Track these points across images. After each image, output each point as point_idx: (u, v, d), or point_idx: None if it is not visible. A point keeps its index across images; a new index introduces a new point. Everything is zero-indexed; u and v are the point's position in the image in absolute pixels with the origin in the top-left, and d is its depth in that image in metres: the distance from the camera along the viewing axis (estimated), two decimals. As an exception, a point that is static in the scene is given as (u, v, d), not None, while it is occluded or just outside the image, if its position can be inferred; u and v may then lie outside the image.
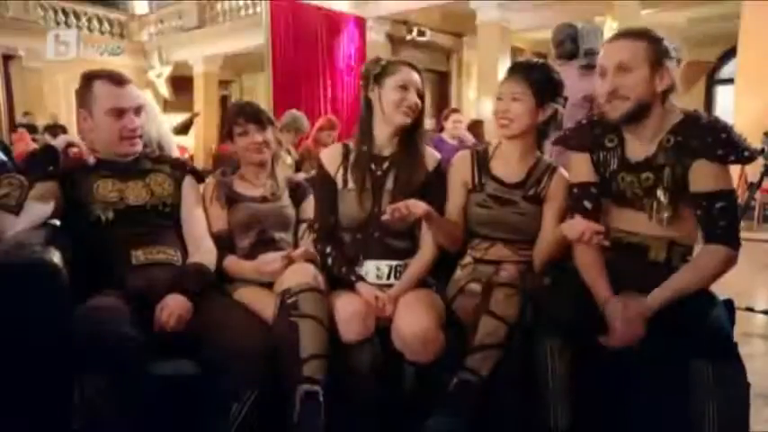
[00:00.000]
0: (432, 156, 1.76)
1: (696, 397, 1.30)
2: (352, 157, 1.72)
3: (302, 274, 1.52)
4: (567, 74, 3.08)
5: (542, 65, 1.71)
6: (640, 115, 1.47)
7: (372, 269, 1.67)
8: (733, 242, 1.43)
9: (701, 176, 1.44)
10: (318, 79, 7.23)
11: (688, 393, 1.31)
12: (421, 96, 1.70)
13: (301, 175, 2.88)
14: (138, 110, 1.68)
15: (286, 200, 1.88)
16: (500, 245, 1.70)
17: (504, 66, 7.35)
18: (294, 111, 4.44)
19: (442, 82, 10.55)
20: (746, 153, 1.42)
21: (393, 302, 1.59)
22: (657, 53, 1.43)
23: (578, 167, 1.60)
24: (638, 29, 1.49)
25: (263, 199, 1.84)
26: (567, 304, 1.45)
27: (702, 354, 1.31)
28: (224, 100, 13.49)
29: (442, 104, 9.60)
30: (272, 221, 1.82)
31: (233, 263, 1.73)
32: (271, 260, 1.64)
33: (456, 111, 4.89)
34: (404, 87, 1.67)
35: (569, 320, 1.42)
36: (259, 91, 11.15)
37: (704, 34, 9.34)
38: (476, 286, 1.64)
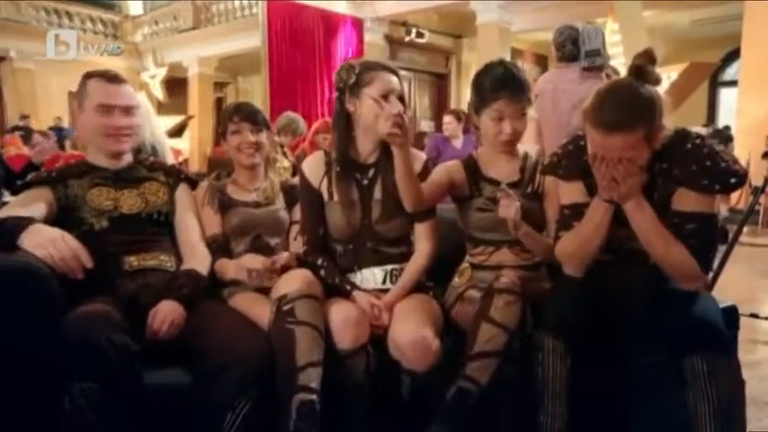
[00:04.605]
0: (417, 157, 1.76)
1: (691, 395, 1.30)
2: (334, 170, 1.71)
3: (299, 281, 1.51)
4: (568, 77, 3.12)
5: (517, 67, 1.69)
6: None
7: (368, 276, 1.68)
8: (702, 263, 1.41)
9: (681, 199, 1.43)
10: (315, 81, 7.25)
11: (684, 393, 1.31)
12: (402, 98, 1.66)
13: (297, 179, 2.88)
14: (128, 109, 1.68)
15: (280, 204, 1.88)
16: (505, 248, 1.70)
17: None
18: (290, 113, 4.46)
19: (440, 84, 10.56)
20: (733, 180, 1.39)
21: (389, 310, 1.59)
22: (654, 127, 1.37)
23: (570, 192, 1.58)
24: (630, 111, 1.35)
25: (257, 204, 1.84)
26: (568, 307, 1.45)
27: (694, 349, 1.31)
28: (219, 102, 13.51)
29: (441, 107, 9.61)
30: (266, 227, 1.82)
31: (220, 264, 1.72)
32: (250, 258, 1.63)
33: (451, 112, 4.81)
34: (384, 97, 1.62)
35: (570, 323, 1.42)
36: (255, 93, 11.18)
37: (707, 35, 9.40)
38: (475, 293, 1.64)
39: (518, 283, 1.47)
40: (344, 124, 1.70)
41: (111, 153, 1.71)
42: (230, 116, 1.84)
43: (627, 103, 1.35)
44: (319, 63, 7.34)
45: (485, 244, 1.72)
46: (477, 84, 1.69)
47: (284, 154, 3.98)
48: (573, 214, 1.54)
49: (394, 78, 1.66)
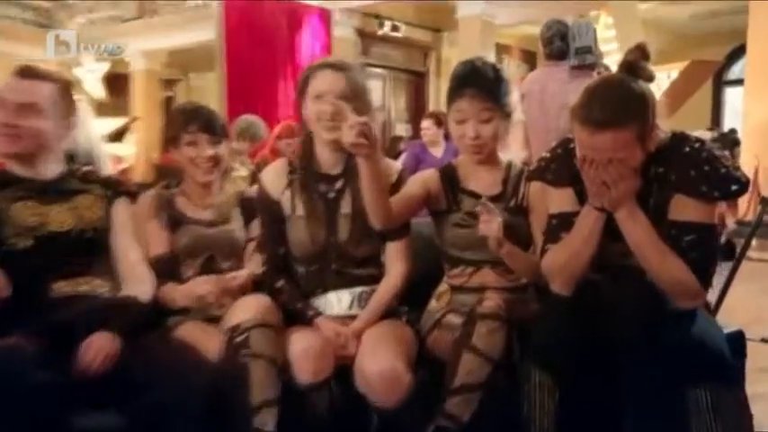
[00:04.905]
0: (391, 168, 1.77)
1: (695, 429, 1.31)
2: (297, 178, 1.71)
3: (254, 308, 1.51)
4: (557, 76, 3.18)
5: (488, 64, 1.70)
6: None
7: (333, 300, 1.69)
8: (702, 279, 1.43)
9: (678, 207, 1.45)
10: (278, 80, 7.21)
11: (687, 426, 1.33)
12: (347, 99, 1.62)
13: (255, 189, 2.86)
14: (23, 107, 1.60)
15: (236, 221, 1.86)
16: (487, 269, 1.71)
17: (488, 65, 7.44)
18: (250, 116, 4.43)
19: (418, 83, 10.62)
20: (735, 188, 1.41)
21: (356, 338, 1.59)
22: (647, 126, 1.40)
23: (559, 200, 1.59)
24: (620, 107, 1.38)
25: (211, 223, 1.82)
26: (556, 334, 1.46)
27: (698, 380, 1.32)
28: (168, 102, 13.39)
29: (419, 108, 9.64)
30: (220, 249, 1.80)
31: (166, 289, 1.70)
32: (202, 282, 1.61)
33: (430, 116, 4.76)
34: (318, 98, 1.64)
35: (559, 352, 1.43)
36: (209, 92, 11.10)
37: (710, 31, 9.62)
38: (455, 319, 1.66)
39: (503, 308, 1.48)
40: (306, 128, 1.73)
41: None
42: (185, 124, 1.81)
43: (617, 99, 1.38)
44: (283, 59, 7.31)
45: (464, 264, 1.73)
46: (449, 83, 1.73)
47: (242, 162, 3.96)
48: (561, 224, 1.55)
49: (334, 77, 1.65)
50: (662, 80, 7.08)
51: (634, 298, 1.50)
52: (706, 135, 6.09)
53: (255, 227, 1.84)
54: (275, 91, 7.16)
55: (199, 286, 1.62)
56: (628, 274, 1.52)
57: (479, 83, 1.65)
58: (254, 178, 3.90)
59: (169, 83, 14.06)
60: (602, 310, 1.50)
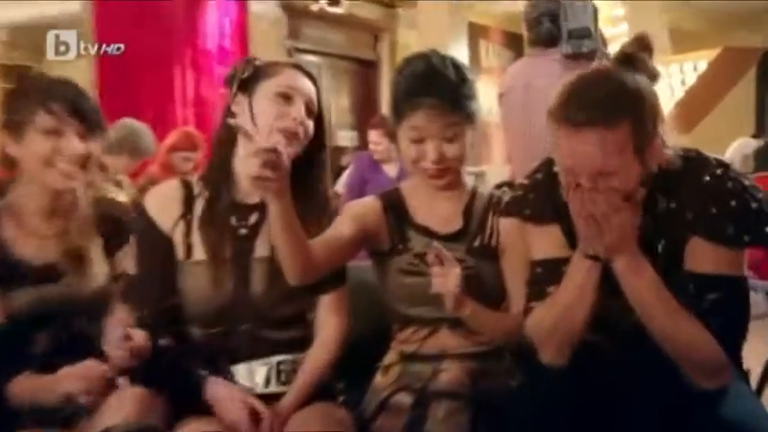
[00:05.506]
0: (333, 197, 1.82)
1: None
2: (199, 208, 1.71)
3: (127, 405, 1.48)
4: (545, 67, 3.20)
5: (447, 60, 1.74)
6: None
7: (243, 374, 1.68)
8: (729, 351, 1.45)
9: (697, 255, 1.47)
10: (172, 70, 7.10)
11: None
12: (311, 113, 1.72)
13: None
14: None
15: (99, 260, 1.80)
16: (445, 330, 1.74)
17: (457, 52, 7.55)
18: (130, 120, 4.37)
19: (366, 75, 10.58)
20: None
21: (280, 423, 1.59)
22: (644, 130, 1.42)
23: (543, 242, 1.62)
24: (609, 98, 1.42)
25: (56, 269, 1.73)
26: (543, 419, 1.48)
27: None
28: (11, 98, 13.15)
29: (368, 109, 9.62)
30: (77, 305, 1.75)
31: (19, 384, 1.64)
32: (75, 373, 1.58)
33: (380, 123, 4.77)
34: (285, 97, 1.67)
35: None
36: (72, 85, 10.92)
37: (748, 9, 9.92)
38: (406, 398, 1.66)
39: (465, 383, 1.51)
40: (226, 139, 1.72)
41: None
42: (40, 101, 1.68)
43: (605, 93, 1.41)
44: (178, 42, 7.22)
45: (416, 324, 1.76)
46: (393, 86, 1.76)
47: (120, 183, 3.90)
48: (547, 275, 1.59)
49: (307, 82, 1.73)
50: (687, 73, 7.30)
51: (646, 368, 1.53)
52: (751, 144, 6.22)
53: (122, 259, 1.80)
54: (169, 85, 7.02)
55: (65, 380, 1.57)
56: (637, 335, 1.54)
57: (441, 89, 1.68)
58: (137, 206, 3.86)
59: (12, 70, 13.80)
60: (603, 384, 1.53)
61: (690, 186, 1.49)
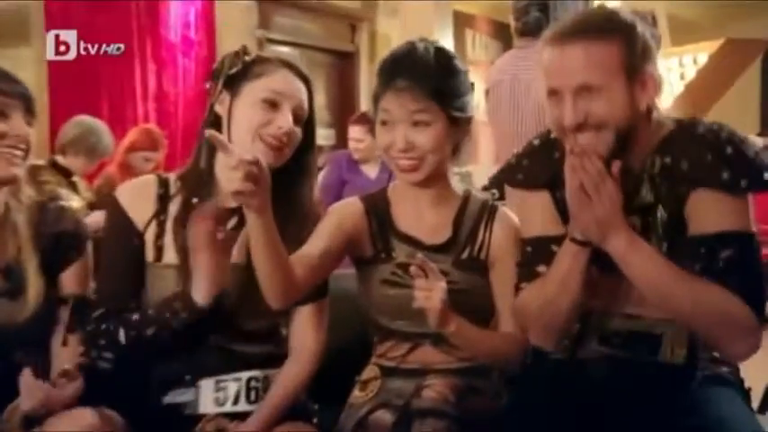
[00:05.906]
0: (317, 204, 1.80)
1: None
2: (174, 208, 1.69)
3: (80, 422, 1.48)
4: (534, 59, 3.19)
5: (434, 47, 1.73)
6: (624, 146, 1.51)
7: (209, 390, 1.66)
8: (755, 309, 1.45)
9: (700, 212, 1.49)
10: (132, 62, 7.05)
11: None
12: (300, 119, 1.70)
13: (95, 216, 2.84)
14: None
15: (37, 281, 1.73)
16: (428, 345, 1.73)
17: (442, 42, 7.52)
18: (86, 117, 4.33)
19: (343, 68, 10.55)
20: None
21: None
22: (634, 54, 1.47)
23: (532, 213, 1.64)
24: (599, 16, 1.53)
25: None
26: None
27: None
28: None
29: (345, 105, 9.60)
30: (14, 337, 1.69)
31: None
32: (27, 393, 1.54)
33: (361, 119, 4.70)
34: (271, 103, 1.66)
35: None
36: (20, 78, 10.87)
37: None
38: (386, 416, 1.65)
39: (451, 400, 1.49)
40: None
41: None
42: None
43: (595, 13, 1.54)
44: (138, 31, 7.17)
45: (398, 337, 1.75)
46: (376, 73, 1.75)
47: (73, 186, 3.84)
48: (538, 254, 1.61)
49: (297, 82, 1.71)
50: (687, 66, 7.31)
51: (636, 390, 1.53)
52: (757, 142, 6.24)
53: (66, 281, 1.76)
54: (128, 78, 6.94)
55: (22, 400, 1.54)
56: (634, 351, 1.57)
57: (415, 71, 1.66)
58: (92, 208, 3.81)
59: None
60: (592, 406, 1.52)
61: (684, 140, 1.53)
